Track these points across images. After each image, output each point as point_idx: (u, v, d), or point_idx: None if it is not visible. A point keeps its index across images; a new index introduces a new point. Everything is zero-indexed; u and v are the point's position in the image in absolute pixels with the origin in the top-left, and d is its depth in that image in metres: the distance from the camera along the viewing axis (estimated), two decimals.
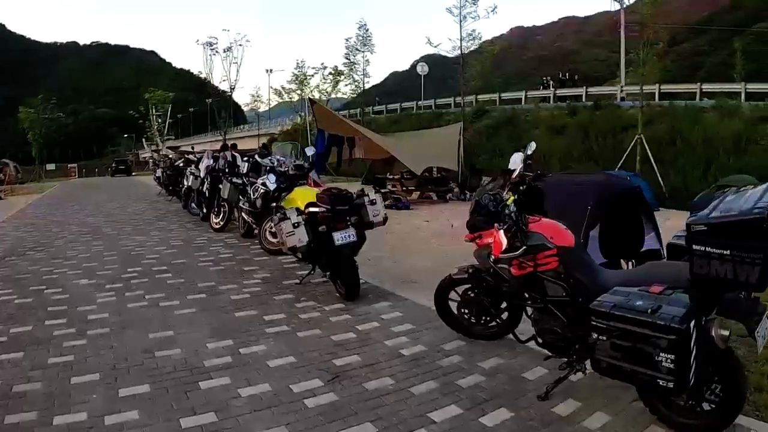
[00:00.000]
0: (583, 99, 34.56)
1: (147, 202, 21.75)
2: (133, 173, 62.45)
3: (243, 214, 12.04)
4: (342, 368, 4.88)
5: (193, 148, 43.71)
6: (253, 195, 10.99)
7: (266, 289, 7.75)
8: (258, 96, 52.86)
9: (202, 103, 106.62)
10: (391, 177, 20.51)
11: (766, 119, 24.27)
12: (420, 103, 47.22)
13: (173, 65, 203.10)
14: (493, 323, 5.27)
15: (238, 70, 48.21)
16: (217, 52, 45.77)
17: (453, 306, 5.50)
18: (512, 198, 4.59)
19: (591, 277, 4.13)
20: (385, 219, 7.59)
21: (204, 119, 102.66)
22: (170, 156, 28.44)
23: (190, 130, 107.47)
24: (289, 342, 5.59)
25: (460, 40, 31.02)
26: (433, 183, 21.35)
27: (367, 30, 38.92)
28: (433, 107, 44.70)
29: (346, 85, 37.71)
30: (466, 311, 5.35)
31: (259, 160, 11.38)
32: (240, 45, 45.26)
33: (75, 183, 47.47)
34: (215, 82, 48.65)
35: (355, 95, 43.59)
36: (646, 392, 3.76)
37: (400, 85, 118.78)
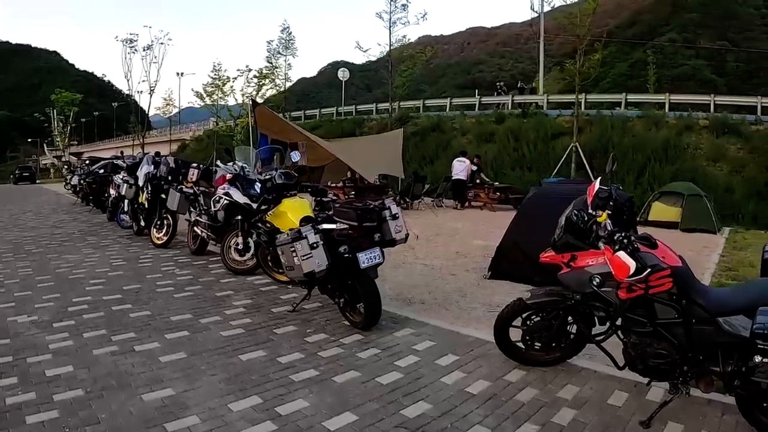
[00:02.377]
0: (545, 107, 34.19)
1: (65, 213, 19.45)
2: (38, 181, 58.66)
3: (196, 228, 10.52)
4: (419, 422, 4.08)
5: (92, 154, 40.99)
6: (213, 206, 9.51)
7: (259, 321, 6.54)
8: (170, 99, 50.00)
9: (105, 107, 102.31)
10: (333, 185, 19.14)
11: (690, 128, 25.58)
12: (341, 109, 46.19)
13: (77, 67, 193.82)
14: (557, 349, 5.00)
15: (158, 71, 45.89)
16: (136, 50, 42.77)
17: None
18: (605, 215, 4.41)
19: (705, 297, 4.03)
20: (407, 236, 6.76)
21: (109, 124, 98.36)
22: (87, 162, 26.13)
23: (95, 135, 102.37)
24: (332, 392, 4.59)
25: (389, 45, 30.30)
26: (373, 191, 20.21)
27: (290, 33, 37.41)
28: (354, 113, 43.64)
29: (269, 89, 35.97)
30: (533, 338, 4.96)
31: (221, 165, 9.85)
32: (161, 43, 42.50)
33: None
34: (134, 82, 45.37)
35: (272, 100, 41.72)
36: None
37: (309, 91, 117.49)
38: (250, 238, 9.12)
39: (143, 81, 43.64)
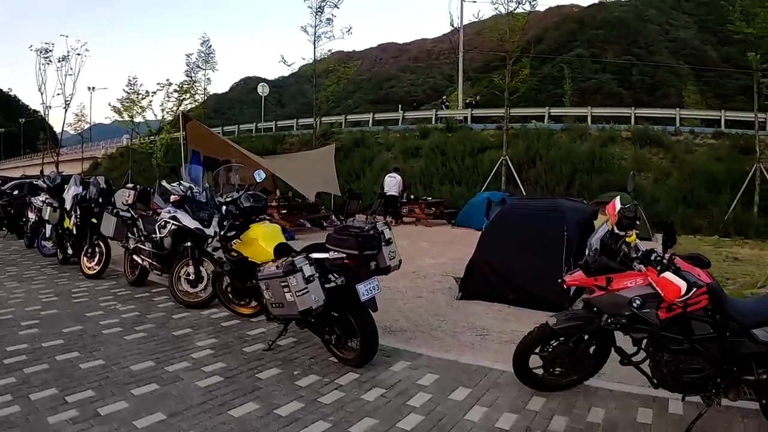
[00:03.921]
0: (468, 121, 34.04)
1: None
2: None
3: (135, 256, 9.52)
4: None
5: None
6: (159, 232, 8.57)
7: (234, 364, 5.78)
8: (82, 115, 47.64)
9: (11, 123, 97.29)
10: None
11: (613, 140, 26.50)
12: (260, 125, 45.10)
13: None
14: (575, 372, 4.90)
15: (74, 84, 43.51)
16: (51, 61, 40.28)
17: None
18: (634, 235, 4.45)
19: (736, 309, 4.09)
20: (400, 262, 6.20)
21: (15, 141, 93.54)
22: None
23: (0, 152, 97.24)
24: None
25: (314, 60, 29.66)
26: (305, 209, 19.46)
27: (209, 46, 36.15)
28: (273, 129, 42.65)
29: (189, 104, 34.57)
30: (554, 363, 4.84)
31: (166, 186, 8.88)
32: (78, 54, 40.17)
33: None
34: (48, 95, 42.72)
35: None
36: None
37: (220, 107, 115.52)
38: (202, 267, 8.28)
39: (58, 94, 41.24)
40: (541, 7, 25.44)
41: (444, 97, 44.40)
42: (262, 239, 6.67)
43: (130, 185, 10.59)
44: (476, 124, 33.27)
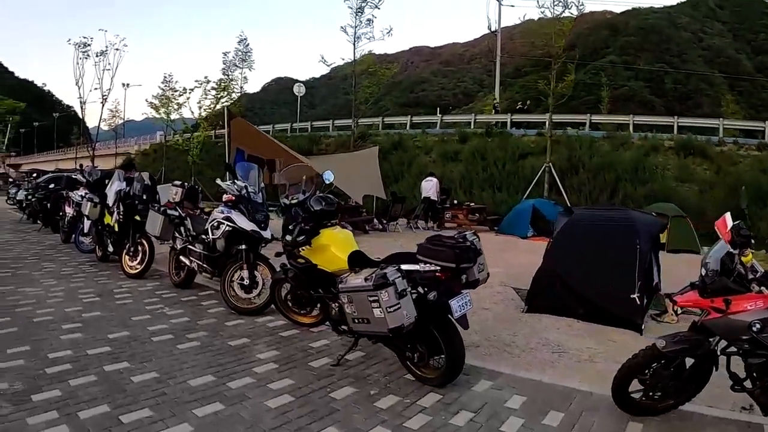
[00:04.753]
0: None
1: (10, 232, 17.25)
2: None
3: (183, 257, 8.94)
4: None
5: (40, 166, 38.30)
6: (211, 233, 7.97)
7: (302, 381, 5.24)
8: (116, 111, 47.51)
9: (45, 118, 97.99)
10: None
11: (656, 149, 25.67)
12: (295, 125, 44.63)
13: (16, 75, 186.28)
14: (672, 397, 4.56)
15: (112, 79, 43.28)
16: (89, 55, 40.13)
17: None
18: (750, 255, 4.23)
19: None
20: (488, 275, 5.64)
21: (49, 135, 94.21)
22: (35, 175, 23.97)
23: (34, 146, 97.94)
24: None
25: (354, 60, 29.06)
26: (347, 213, 18.81)
27: (247, 45, 35.72)
28: (309, 130, 42.17)
29: (226, 102, 34.23)
30: (656, 387, 4.49)
31: (221, 184, 8.27)
32: (117, 49, 40.01)
33: None
34: (86, 90, 42.65)
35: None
36: None
37: (253, 106, 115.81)
38: (257, 272, 7.66)
39: (96, 88, 41.11)
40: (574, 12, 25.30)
41: (496, 100, 43.40)
42: (334, 246, 6.03)
43: (177, 182, 9.99)
44: (515, 129, 32.50)
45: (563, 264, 8.28)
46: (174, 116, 33.51)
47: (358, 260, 5.71)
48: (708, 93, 72.80)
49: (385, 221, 19.15)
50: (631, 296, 7.39)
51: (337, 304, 5.79)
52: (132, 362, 5.58)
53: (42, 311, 7.46)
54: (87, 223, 11.82)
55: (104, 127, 44.00)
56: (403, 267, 4.99)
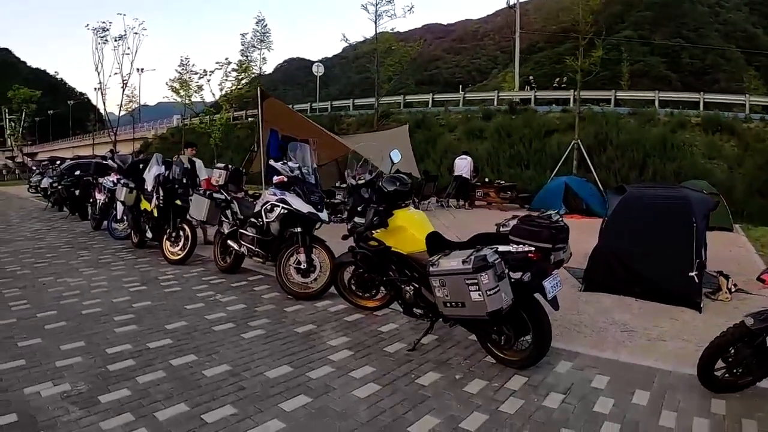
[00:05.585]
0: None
1: (38, 221, 16.97)
2: None
3: (231, 241, 8.59)
4: None
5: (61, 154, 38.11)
6: (265, 216, 7.58)
7: (383, 368, 5.01)
8: (133, 96, 47.20)
9: (58, 106, 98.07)
10: (338, 185, 17.14)
11: (683, 126, 25.09)
12: (315, 105, 44.17)
13: (28, 64, 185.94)
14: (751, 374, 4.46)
15: (132, 63, 42.94)
16: (107, 40, 39.81)
17: None
18: None
19: None
20: (571, 254, 5.35)
21: (64, 123, 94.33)
22: (58, 163, 23.77)
23: (50, 134, 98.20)
24: None
25: (376, 39, 28.61)
26: None
27: (265, 25, 35.21)
28: (329, 109, 41.68)
29: (247, 83, 33.88)
30: (739, 364, 4.43)
31: (274, 164, 7.85)
32: (136, 33, 39.64)
33: None
34: (105, 75, 42.45)
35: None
36: None
37: (266, 87, 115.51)
38: (313, 255, 7.29)
39: (115, 74, 40.82)
40: None
41: (531, 77, 42.62)
42: (411, 227, 5.71)
43: (220, 165, 9.63)
44: (540, 106, 31.93)
45: (619, 242, 8.06)
46: (196, 98, 33.18)
47: (436, 241, 5.44)
48: (725, 68, 71.60)
49: (417, 200, 18.73)
50: (689, 274, 7.19)
51: (411, 287, 5.57)
52: (198, 355, 5.23)
53: (89, 302, 7.12)
54: (120, 209, 11.51)
55: (122, 111, 43.58)
56: (501, 248, 4.75)
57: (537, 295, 4.85)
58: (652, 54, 74.78)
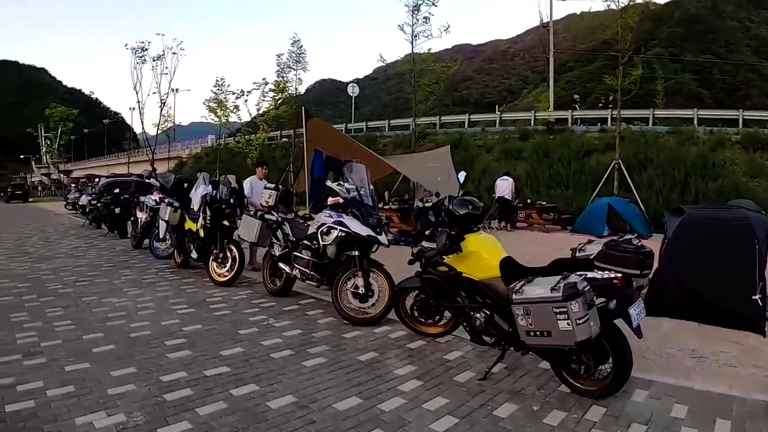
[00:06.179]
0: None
1: (77, 238, 16.99)
2: (30, 199, 56.28)
3: (282, 264, 8.32)
4: None
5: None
6: (321, 239, 7.30)
7: (456, 399, 4.70)
8: (168, 116, 47.55)
9: (93, 125, 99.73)
10: (381, 206, 16.86)
11: (722, 144, 24.60)
12: (350, 125, 44.17)
13: (64, 84, 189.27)
14: None
15: (170, 83, 43.35)
16: (145, 60, 40.17)
17: None
18: None
19: None
20: (649, 280, 5.20)
21: (99, 141, 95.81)
22: (97, 180, 23.89)
23: (85, 152, 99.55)
24: None
25: (413, 59, 28.50)
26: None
27: (300, 46, 35.24)
28: (364, 130, 41.64)
29: (283, 104, 33.97)
30: None
31: (332, 185, 7.58)
32: (174, 53, 40.00)
33: None
34: (144, 93, 42.82)
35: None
36: None
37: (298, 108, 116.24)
38: (371, 279, 6.96)
39: (154, 93, 41.24)
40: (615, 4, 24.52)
41: (576, 97, 42.19)
42: (484, 252, 5.43)
43: (271, 185, 9.41)
44: (576, 126, 31.57)
45: (679, 265, 7.64)
46: (233, 118, 33.40)
47: (510, 267, 5.18)
48: (757, 83, 70.43)
49: None
50: (753, 297, 6.73)
51: (482, 314, 5.29)
52: (260, 384, 4.93)
53: (137, 325, 6.87)
54: (162, 228, 11.35)
55: (155, 131, 43.91)
56: (590, 274, 4.53)
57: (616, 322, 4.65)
58: (683, 71, 73.96)
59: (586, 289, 4.26)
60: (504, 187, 20.21)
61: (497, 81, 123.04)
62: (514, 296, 4.59)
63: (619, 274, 4.45)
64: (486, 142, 31.75)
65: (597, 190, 22.26)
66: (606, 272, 4.49)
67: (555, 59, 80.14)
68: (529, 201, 21.61)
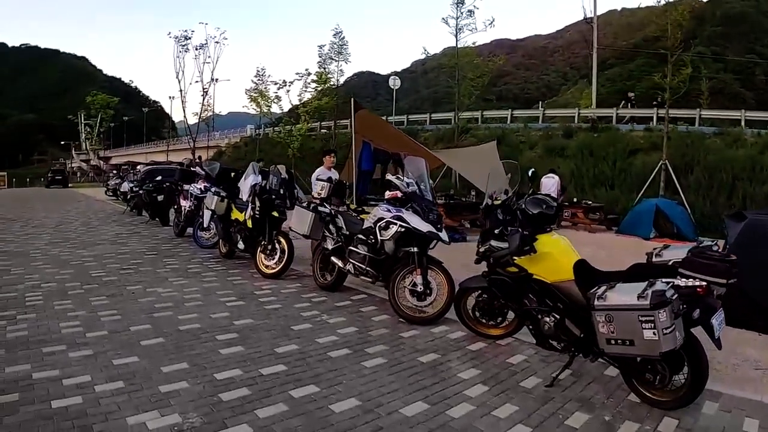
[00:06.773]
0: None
1: (118, 224, 17.01)
2: (70, 184, 57.09)
3: (335, 258, 8.09)
4: None
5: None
6: (379, 234, 7.06)
7: (526, 407, 4.48)
8: (208, 105, 47.59)
9: (132, 113, 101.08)
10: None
11: None
12: (390, 118, 43.95)
13: (104, 72, 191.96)
14: None
15: (212, 72, 43.69)
16: (187, 49, 40.24)
17: None
18: None
19: None
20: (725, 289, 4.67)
21: (138, 129, 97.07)
22: (139, 168, 23.96)
23: (124, 139, 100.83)
24: None
25: (457, 53, 28.13)
26: (467, 209, 17.69)
27: (342, 37, 35.07)
28: (405, 123, 41.35)
29: (325, 95, 33.90)
30: None
31: (391, 179, 7.32)
32: (217, 42, 40.03)
33: (4, 194, 42.02)
34: (186, 82, 42.71)
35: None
36: None
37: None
38: (430, 277, 6.73)
39: (197, 81, 41.24)
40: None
41: (631, 94, 41.19)
42: (557, 253, 5.16)
43: (324, 176, 9.16)
44: (621, 125, 30.90)
45: (745, 276, 7.34)
46: (275, 108, 33.43)
47: (584, 271, 4.96)
48: None
49: None
50: None
51: (551, 318, 5.03)
52: (320, 385, 4.69)
53: (185, 317, 6.68)
54: (207, 217, 11.16)
55: (195, 119, 44.01)
56: (676, 282, 4.30)
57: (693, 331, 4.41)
58: (725, 71, 72.33)
59: (673, 297, 4.06)
60: (550, 185, 19.71)
61: (536, 77, 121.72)
62: (596, 302, 4.35)
63: (704, 283, 4.22)
64: (529, 138, 31.26)
65: (643, 190, 21.72)
66: (689, 280, 4.27)
67: (589, 57, 79.08)
68: (575, 200, 21.11)
